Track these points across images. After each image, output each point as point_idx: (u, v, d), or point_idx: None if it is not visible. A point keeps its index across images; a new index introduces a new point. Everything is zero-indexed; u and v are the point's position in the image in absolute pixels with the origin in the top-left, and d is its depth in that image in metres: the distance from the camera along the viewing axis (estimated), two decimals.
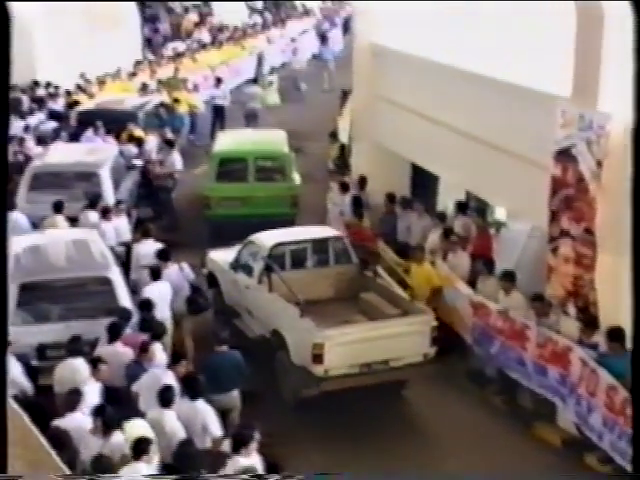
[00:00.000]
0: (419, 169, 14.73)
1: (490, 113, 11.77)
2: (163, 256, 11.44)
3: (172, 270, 11.36)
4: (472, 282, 11.38)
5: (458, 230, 12.60)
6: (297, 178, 16.13)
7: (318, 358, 9.96)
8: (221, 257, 12.61)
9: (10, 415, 5.13)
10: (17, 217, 13.11)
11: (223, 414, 8.71)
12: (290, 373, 10.42)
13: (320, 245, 12.13)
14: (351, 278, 11.81)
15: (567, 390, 9.34)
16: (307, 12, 36.68)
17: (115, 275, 10.56)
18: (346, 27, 34.05)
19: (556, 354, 9.51)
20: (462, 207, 13.21)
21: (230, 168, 15.70)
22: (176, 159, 16.71)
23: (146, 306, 10.27)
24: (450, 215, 13.36)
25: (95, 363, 8.68)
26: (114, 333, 9.39)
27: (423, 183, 14.99)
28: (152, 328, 9.57)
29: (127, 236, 13.20)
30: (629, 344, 7.75)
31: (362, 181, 14.94)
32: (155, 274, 11.07)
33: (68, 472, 6.25)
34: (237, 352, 9.50)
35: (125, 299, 10.36)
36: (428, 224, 13.17)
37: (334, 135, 18.95)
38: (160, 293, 10.77)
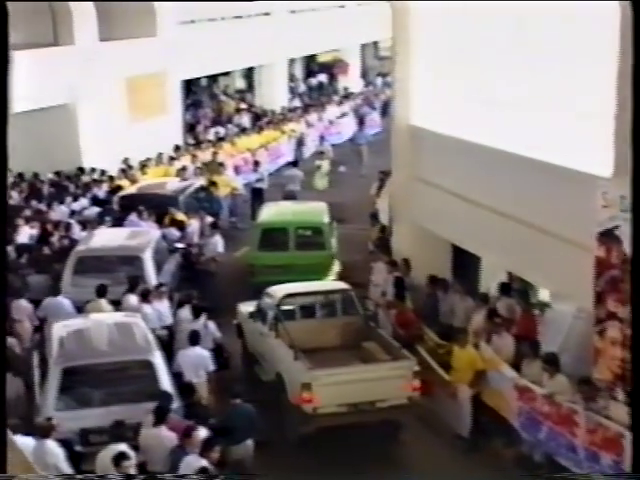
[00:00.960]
0: (460, 250, 14.74)
1: (530, 193, 11.81)
2: (195, 313, 12.47)
3: (197, 325, 12.25)
4: (517, 365, 11.24)
5: (502, 312, 12.52)
6: (334, 245, 17.10)
7: (307, 397, 11.09)
8: (247, 309, 13.76)
9: None
10: (61, 301, 13.35)
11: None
12: (288, 412, 11.38)
13: (328, 297, 13.46)
14: (357, 328, 12.85)
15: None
16: (347, 96, 37.31)
17: (157, 359, 10.65)
18: (384, 110, 34.57)
19: (608, 440, 9.28)
20: (505, 288, 13.16)
21: (272, 237, 16.78)
22: (218, 242, 16.94)
23: (188, 391, 10.31)
24: (493, 296, 13.30)
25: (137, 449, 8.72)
26: (160, 417, 9.40)
27: (465, 264, 14.97)
28: (197, 414, 9.57)
29: (169, 319, 13.31)
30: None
31: (406, 263, 14.99)
32: (193, 339, 11.68)
33: None
34: (249, 405, 10.26)
35: (167, 383, 10.41)
36: (471, 306, 13.11)
37: (374, 216, 19.07)
38: (197, 358, 11.50)
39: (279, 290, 13.09)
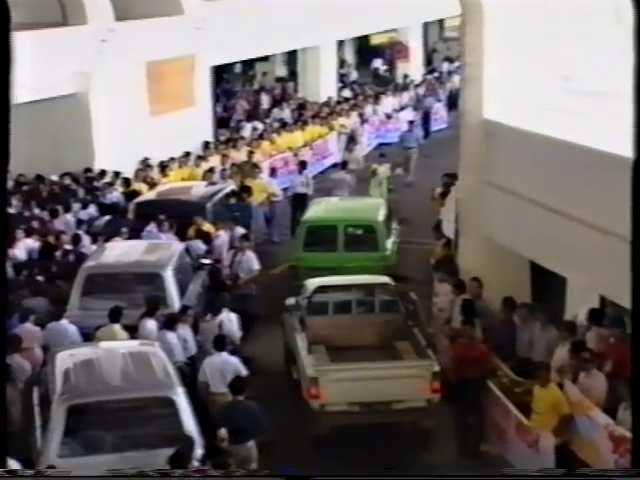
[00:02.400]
0: (541, 269, 14.58)
1: (629, 203, 11.62)
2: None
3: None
4: (611, 409, 11.06)
5: (592, 344, 12.35)
6: (390, 247, 17.87)
7: (314, 392, 12.23)
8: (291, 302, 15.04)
9: None
10: (66, 326, 13.41)
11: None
12: (300, 409, 12.58)
13: (365, 291, 14.74)
14: (396, 327, 13.93)
15: None
16: (406, 86, 37.29)
17: (179, 396, 10.67)
18: (451, 102, 34.50)
19: None
20: (596, 316, 12.97)
21: (319, 236, 17.69)
22: (251, 259, 16.92)
23: (214, 435, 10.32)
24: (581, 326, 13.12)
25: None
26: (178, 465, 9.41)
27: (547, 286, 14.82)
28: (222, 465, 9.59)
29: (193, 349, 13.33)
30: None
31: (477, 283, 14.86)
32: (219, 344, 12.47)
33: None
34: (254, 403, 11.24)
35: (191, 425, 10.42)
36: (554, 337, 12.94)
37: (437, 228, 18.99)
38: (224, 364, 12.24)
39: (313, 283, 14.35)
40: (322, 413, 12.32)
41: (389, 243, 18.04)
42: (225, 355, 12.45)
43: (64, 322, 13.43)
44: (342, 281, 14.77)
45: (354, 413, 12.37)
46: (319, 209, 19.03)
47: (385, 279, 14.73)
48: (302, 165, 23.79)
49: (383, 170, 24.75)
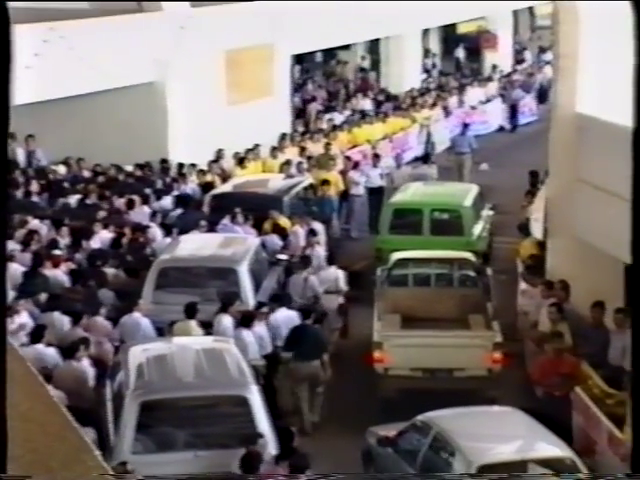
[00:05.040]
0: (636, 272, 14.35)
1: None
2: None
3: None
4: None
5: None
6: (477, 233, 18.46)
7: (378, 357, 13.45)
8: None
9: None
10: (139, 320, 13.56)
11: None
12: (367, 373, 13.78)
13: (445, 265, 15.94)
14: (475, 301, 14.82)
15: None
16: (490, 77, 37.00)
17: (253, 394, 10.72)
18: (542, 94, 34.15)
19: None
20: None
21: (405, 219, 18.68)
22: (320, 256, 16.90)
23: (288, 435, 10.40)
24: None
25: None
26: (249, 466, 9.51)
27: None
28: (296, 465, 9.63)
29: (269, 347, 13.43)
30: None
31: (565, 286, 14.71)
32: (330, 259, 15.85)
33: None
34: (319, 327, 13.67)
35: (265, 425, 10.48)
36: None
37: (524, 228, 18.83)
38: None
39: (394, 255, 15.74)
40: (386, 377, 13.50)
41: (477, 228, 18.66)
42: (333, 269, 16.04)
43: (137, 315, 13.54)
44: (423, 255, 16.07)
45: (417, 378, 13.50)
46: (406, 193, 19.87)
47: (466, 254, 15.93)
48: (376, 157, 23.87)
49: (466, 163, 25.51)
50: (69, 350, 12.15)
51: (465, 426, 11.34)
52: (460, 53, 42.43)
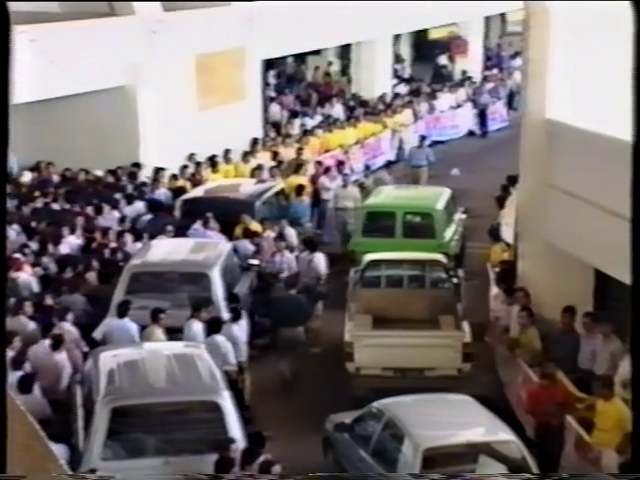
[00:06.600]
0: (605, 277, 14.46)
1: None
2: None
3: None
4: None
5: None
6: (449, 236, 18.73)
7: (349, 355, 13.97)
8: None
9: None
10: (127, 325, 13.41)
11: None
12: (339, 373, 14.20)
13: (417, 267, 16.36)
14: (445, 302, 15.13)
15: None
16: (462, 82, 37.12)
17: (225, 400, 10.73)
18: (511, 100, 34.34)
19: None
20: None
21: (378, 222, 18.92)
22: (291, 260, 16.96)
23: (259, 440, 10.39)
24: None
25: None
26: (222, 470, 9.50)
27: (611, 295, 14.68)
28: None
29: (243, 354, 13.40)
30: None
31: (524, 293, 14.80)
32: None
33: None
34: (302, 296, 14.94)
35: (236, 430, 10.48)
36: (618, 349, 12.81)
37: (494, 233, 18.92)
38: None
39: (367, 257, 16.02)
40: (358, 376, 13.95)
41: (449, 231, 18.90)
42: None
43: (126, 320, 13.45)
44: (395, 256, 16.36)
45: (388, 377, 13.89)
46: (379, 196, 20.15)
47: (437, 256, 16.27)
48: (340, 164, 23.77)
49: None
50: (55, 343, 12.26)
51: (416, 413, 11.90)
52: (443, 60, 42.30)
